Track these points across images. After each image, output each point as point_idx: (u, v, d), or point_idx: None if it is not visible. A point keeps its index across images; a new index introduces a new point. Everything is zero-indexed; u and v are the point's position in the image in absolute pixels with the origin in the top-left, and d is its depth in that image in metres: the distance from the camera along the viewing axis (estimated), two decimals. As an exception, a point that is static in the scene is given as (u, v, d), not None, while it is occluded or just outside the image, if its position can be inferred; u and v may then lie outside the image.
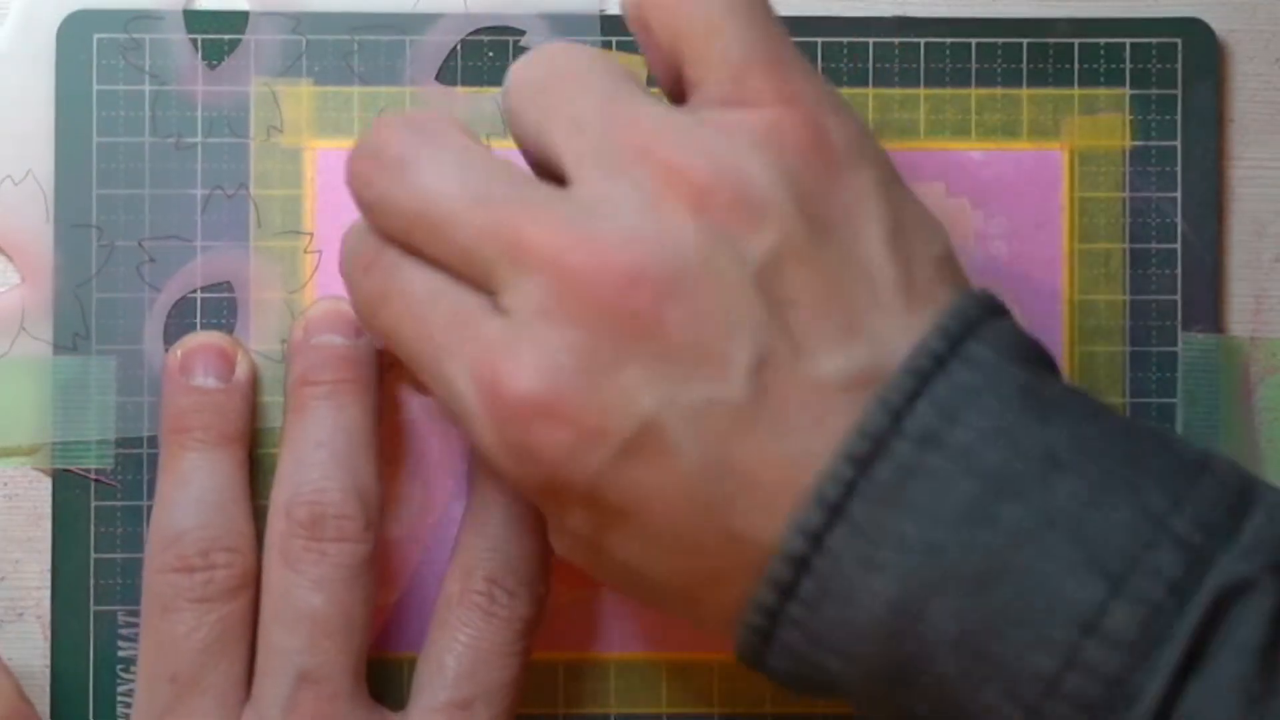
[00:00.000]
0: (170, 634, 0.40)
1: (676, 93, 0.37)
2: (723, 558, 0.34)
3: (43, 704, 0.43)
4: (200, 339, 0.42)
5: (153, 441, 0.43)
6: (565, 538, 0.36)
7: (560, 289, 0.33)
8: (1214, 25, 0.44)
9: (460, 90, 0.44)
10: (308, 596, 0.39)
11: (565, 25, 0.44)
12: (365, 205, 0.37)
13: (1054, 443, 0.33)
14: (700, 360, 0.33)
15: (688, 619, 0.36)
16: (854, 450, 0.32)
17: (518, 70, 0.37)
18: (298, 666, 0.39)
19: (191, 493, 0.41)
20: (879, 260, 0.34)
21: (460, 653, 0.40)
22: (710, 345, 0.33)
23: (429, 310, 0.35)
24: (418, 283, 0.36)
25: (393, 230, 0.36)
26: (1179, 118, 0.45)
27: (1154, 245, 0.45)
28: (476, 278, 0.35)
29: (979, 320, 0.34)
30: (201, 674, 0.40)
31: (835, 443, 0.33)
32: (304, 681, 0.39)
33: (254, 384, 0.43)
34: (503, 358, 0.33)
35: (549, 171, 0.36)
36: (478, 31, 0.44)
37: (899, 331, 0.34)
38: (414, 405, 0.44)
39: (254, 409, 0.43)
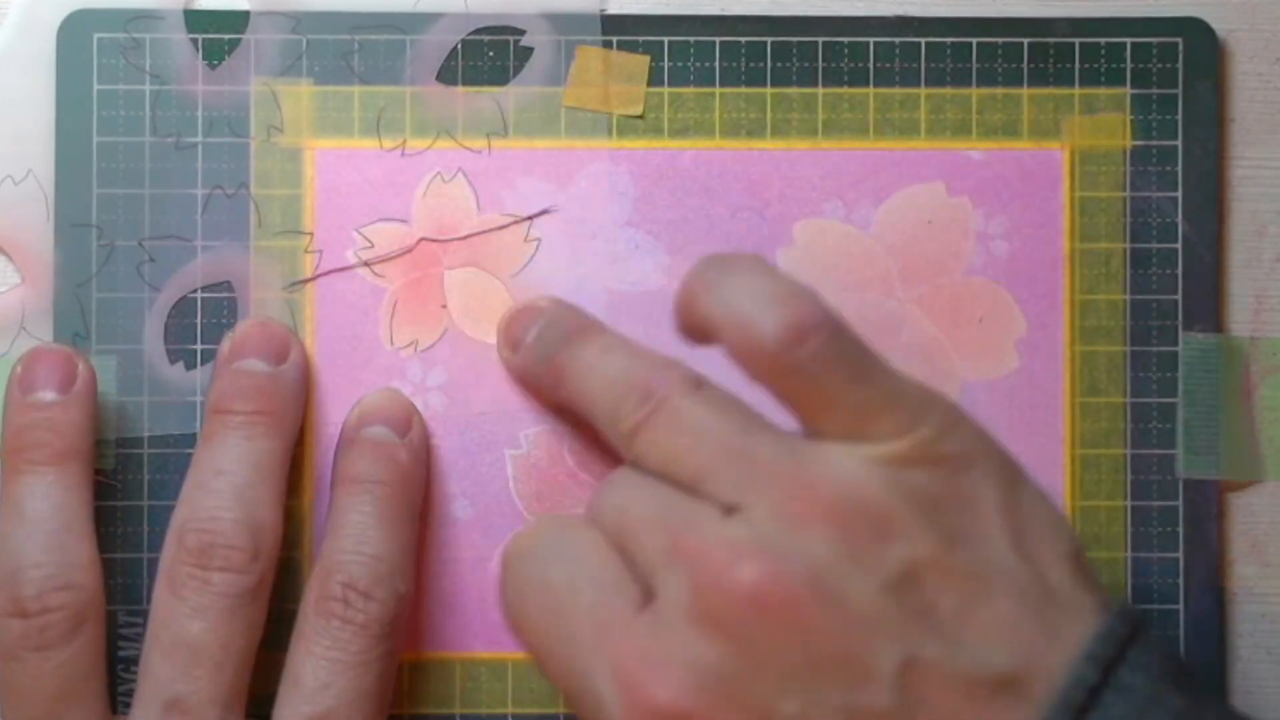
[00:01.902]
0: (18, 683, 0.39)
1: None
2: None
3: (43, 704, 0.43)
4: (39, 350, 0.42)
5: (153, 441, 0.43)
6: None
7: (706, 592, 0.34)
8: (1214, 25, 0.44)
9: (460, 90, 0.44)
10: (186, 623, 0.39)
11: (566, 25, 0.44)
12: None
13: None
14: (843, 667, 0.33)
15: None
16: None
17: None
18: (167, 693, 0.39)
19: (27, 524, 0.40)
20: (1010, 563, 0.34)
21: (317, 664, 0.40)
22: (853, 652, 0.33)
23: (569, 602, 0.36)
24: (555, 572, 0.36)
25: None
26: (1179, 117, 0.45)
27: (1154, 245, 0.44)
28: (632, 563, 0.36)
29: (1129, 642, 0.34)
30: (60, 719, 0.39)
31: None
32: (172, 709, 0.39)
33: (94, 395, 0.42)
34: (648, 664, 0.34)
35: None
36: (478, 31, 0.44)
37: (1043, 636, 0.34)
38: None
39: (96, 421, 0.42)
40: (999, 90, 0.45)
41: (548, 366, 0.41)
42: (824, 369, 0.35)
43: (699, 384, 0.37)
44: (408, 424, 0.43)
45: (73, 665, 0.39)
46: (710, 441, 0.36)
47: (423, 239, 0.44)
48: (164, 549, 0.40)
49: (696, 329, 0.37)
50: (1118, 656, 0.33)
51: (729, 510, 0.35)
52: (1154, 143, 0.45)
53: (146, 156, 0.44)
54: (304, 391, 0.43)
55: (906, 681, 0.33)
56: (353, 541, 0.41)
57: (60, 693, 0.39)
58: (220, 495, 0.40)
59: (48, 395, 0.41)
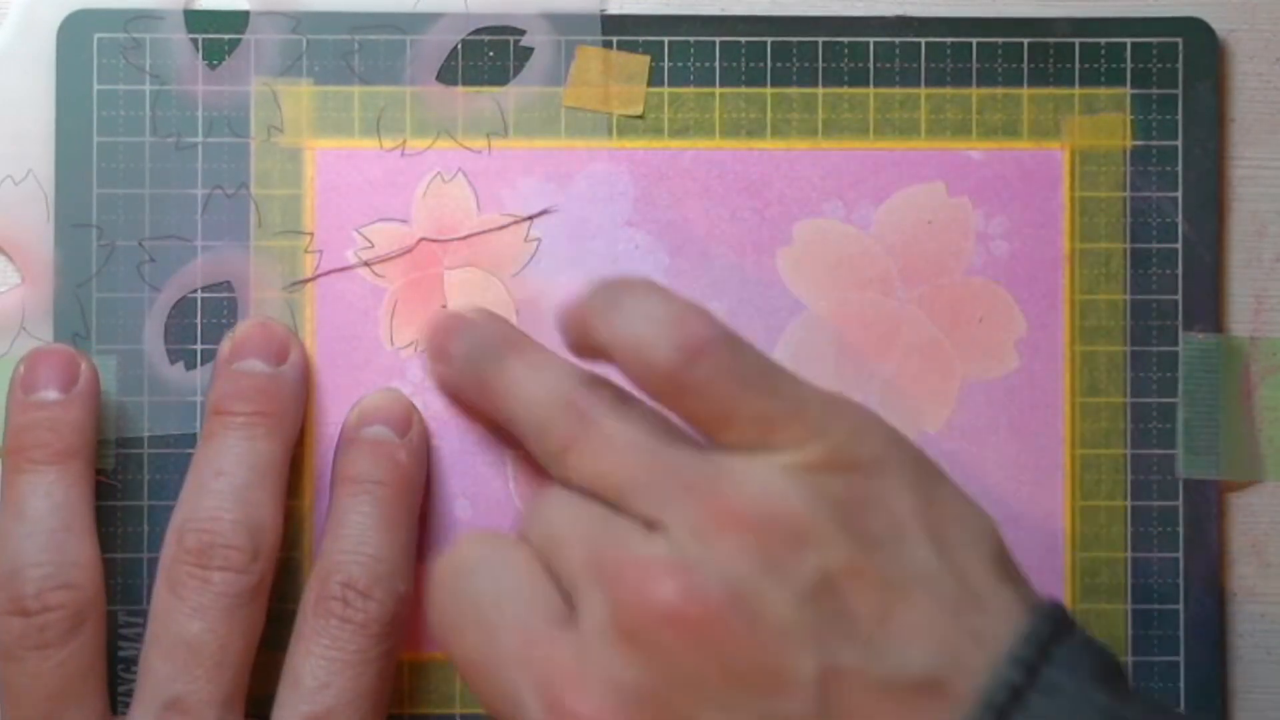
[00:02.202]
0: (17, 682, 0.39)
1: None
2: None
3: (43, 704, 0.43)
4: (41, 350, 0.42)
5: (153, 441, 0.43)
6: None
7: (625, 610, 0.34)
8: (1214, 25, 0.44)
9: (460, 90, 0.44)
10: (185, 623, 0.39)
11: (566, 25, 0.44)
12: None
13: None
14: (762, 679, 0.33)
15: None
16: None
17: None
18: (167, 692, 0.39)
19: (27, 523, 0.40)
20: (929, 566, 0.34)
21: (316, 663, 0.40)
22: (771, 664, 0.33)
23: (495, 617, 0.36)
24: (482, 586, 0.36)
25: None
26: (1180, 117, 0.45)
27: (1154, 245, 0.44)
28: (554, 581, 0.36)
29: (1054, 640, 0.34)
30: (59, 718, 0.39)
31: None
32: (171, 708, 0.39)
33: (97, 394, 0.42)
34: (571, 681, 0.34)
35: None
36: (478, 31, 0.44)
37: (964, 637, 0.34)
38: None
39: (97, 421, 0.42)
40: (999, 90, 0.45)
41: (476, 383, 0.41)
42: (720, 384, 0.35)
43: (625, 400, 0.38)
44: (408, 424, 0.43)
45: (72, 664, 0.39)
46: (634, 458, 0.36)
47: (423, 239, 0.44)
48: (163, 549, 0.40)
49: (589, 351, 0.37)
50: (1042, 655, 0.33)
51: (650, 526, 0.35)
52: (1154, 143, 0.45)
53: (146, 156, 0.44)
54: (304, 392, 0.43)
55: (827, 690, 0.33)
56: (352, 541, 0.41)
57: (59, 692, 0.39)
58: (220, 496, 0.40)
59: (50, 394, 0.41)
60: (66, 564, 0.40)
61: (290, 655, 0.40)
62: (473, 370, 0.41)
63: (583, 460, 0.37)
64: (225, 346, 0.42)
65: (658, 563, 0.34)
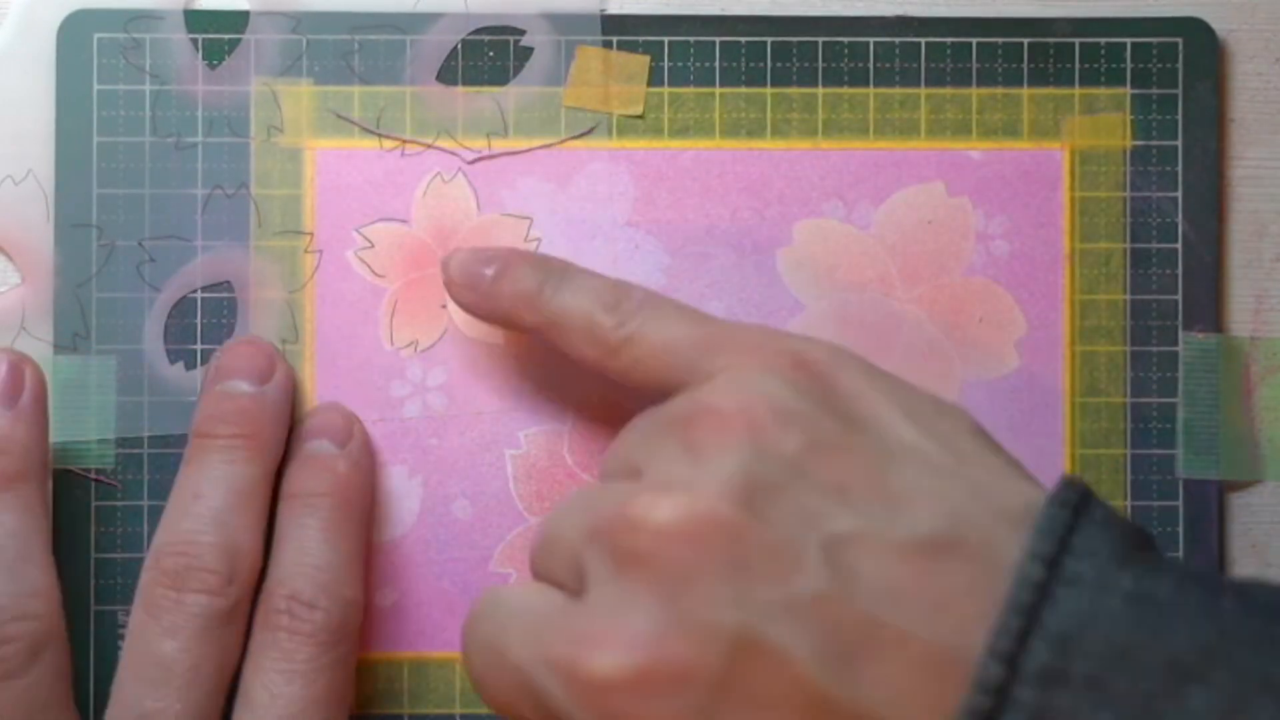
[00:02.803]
0: None
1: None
2: None
3: (43, 704, 0.43)
4: None
5: (153, 441, 0.44)
6: None
7: (625, 546, 0.34)
8: (1214, 25, 0.44)
9: (460, 90, 0.44)
10: (158, 642, 0.39)
11: (566, 25, 0.44)
12: None
13: (1179, 652, 0.31)
14: (772, 563, 0.33)
15: None
16: (977, 707, 0.31)
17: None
18: (136, 710, 0.39)
19: None
20: (911, 437, 0.35)
21: (267, 677, 0.40)
22: (776, 547, 0.33)
23: (504, 640, 0.36)
24: (494, 623, 0.36)
25: None
26: (1180, 117, 0.45)
27: (1154, 245, 0.44)
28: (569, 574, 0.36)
29: (1072, 528, 0.33)
30: None
31: (937, 619, 0.32)
32: None
33: (44, 407, 0.41)
34: (580, 642, 0.33)
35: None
36: (478, 31, 0.44)
37: (966, 495, 0.34)
38: (410, 406, 0.44)
39: (46, 435, 0.41)
40: (999, 90, 0.45)
41: (528, 298, 0.41)
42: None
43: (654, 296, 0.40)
44: (348, 435, 0.43)
45: (33, 693, 0.39)
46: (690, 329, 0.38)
47: (423, 239, 0.44)
48: (142, 572, 0.41)
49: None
50: (1061, 549, 0.33)
51: (633, 474, 0.36)
52: (1154, 143, 0.45)
53: (146, 156, 0.44)
54: (288, 412, 0.43)
55: (835, 559, 0.33)
56: (295, 554, 0.41)
57: None
58: (198, 519, 0.40)
59: None
60: (23, 594, 0.39)
61: (243, 672, 0.41)
62: (523, 287, 0.41)
63: (645, 337, 0.39)
64: (211, 367, 0.42)
65: (647, 496, 0.34)
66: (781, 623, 0.32)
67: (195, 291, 0.44)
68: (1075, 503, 0.34)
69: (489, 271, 0.41)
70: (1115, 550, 0.33)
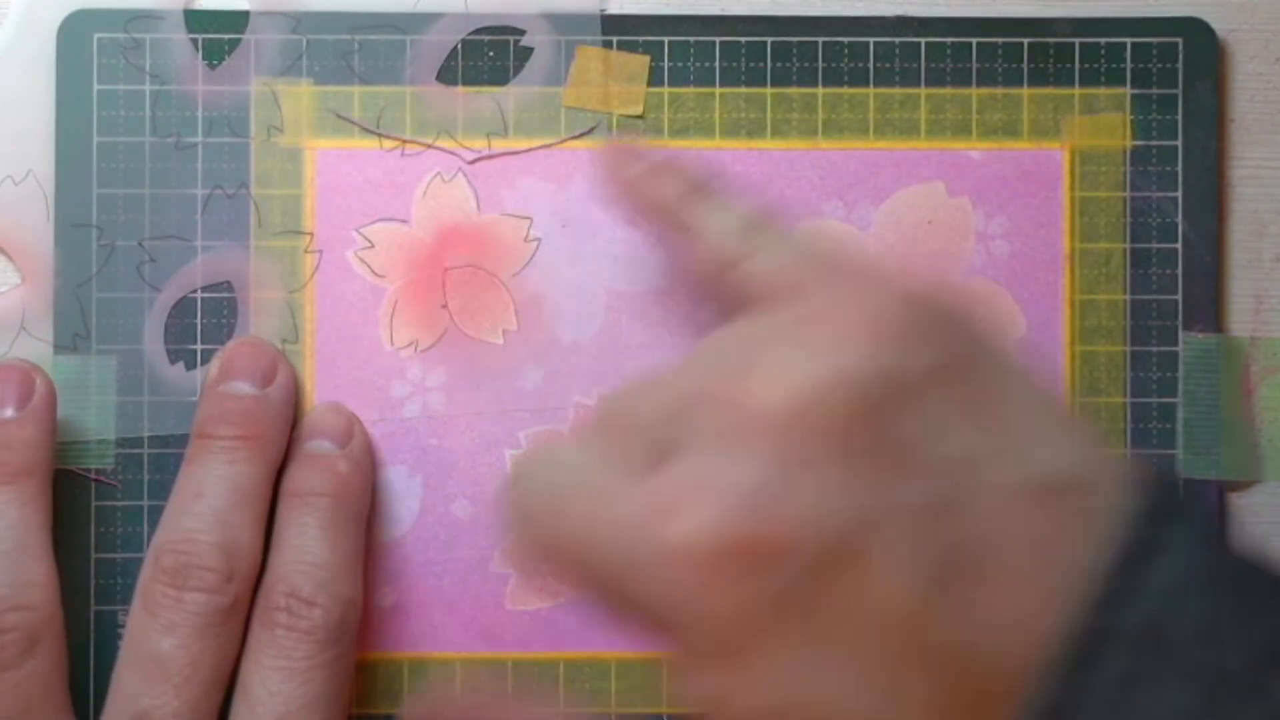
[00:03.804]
0: None
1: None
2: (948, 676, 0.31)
3: (43, 703, 0.43)
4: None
5: (153, 441, 0.44)
6: (756, 679, 0.32)
7: (733, 419, 0.32)
8: (1214, 25, 0.44)
9: (460, 90, 0.44)
10: (157, 639, 0.40)
11: (566, 25, 0.44)
12: None
13: (1276, 635, 0.31)
14: (892, 459, 0.31)
15: None
16: (1067, 656, 0.30)
17: None
18: (134, 707, 0.39)
19: None
20: (1031, 382, 0.34)
21: (265, 674, 0.40)
22: (898, 446, 0.31)
23: (571, 484, 0.33)
24: (559, 472, 0.34)
25: None
26: (1180, 117, 0.45)
27: (1154, 245, 0.45)
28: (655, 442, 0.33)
29: (1170, 502, 0.32)
30: None
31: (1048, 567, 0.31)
32: None
33: (53, 411, 0.42)
34: (658, 509, 0.31)
35: None
36: (478, 31, 0.44)
37: (1080, 447, 0.33)
38: (410, 406, 0.44)
39: (54, 437, 0.42)
40: (999, 90, 0.45)
41: (669, 202, 0.40)
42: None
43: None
44: (348, 435, 0.43)
45: (30, 684, 0.39)
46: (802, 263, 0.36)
47: (423, 239, 0.44)
48: (142, 569, 0.41)
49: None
50: (1164, 516, 0.32)
51: (722, 374, 0.33)
52: (1154, 143, 0.45)
53: (146, 156, 0.44)
54: (290, 413, 0.43)
55: (956, 477, 0.31)
56: (294, 552, 0.41)
57: (19, 713, 0.39)
58: (199, 518, 0.40)
59: (5, 412, 0.41)
60: (21, 584, 0.40)
61: (241, 669, 0.41)
62: (669, 196, 0.40)
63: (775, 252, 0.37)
64: (214, 367, 0.43)
65: (760, 376, 0.32)
66: (889, 525, 0.31)
67: (195, 291, 0.44)
68: (1173, 480, 0.33)
69: (638, 168, 0.40)
70: (1211, 529, 0.33)
